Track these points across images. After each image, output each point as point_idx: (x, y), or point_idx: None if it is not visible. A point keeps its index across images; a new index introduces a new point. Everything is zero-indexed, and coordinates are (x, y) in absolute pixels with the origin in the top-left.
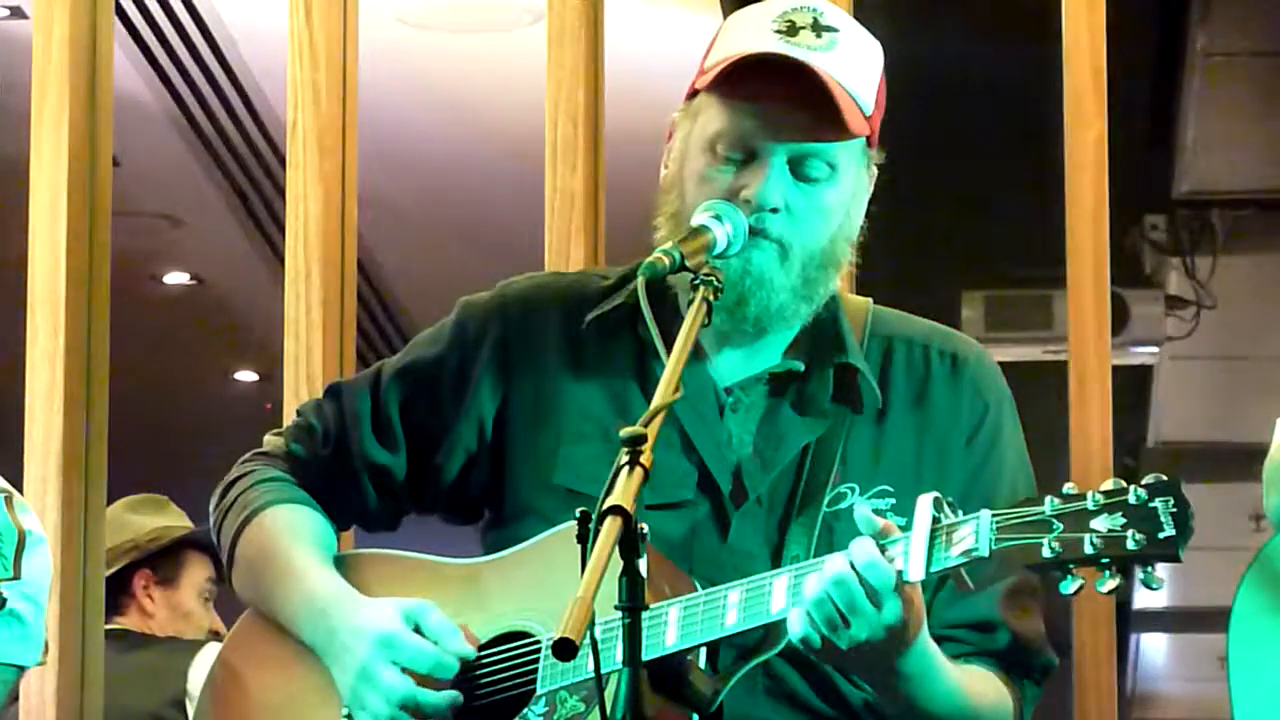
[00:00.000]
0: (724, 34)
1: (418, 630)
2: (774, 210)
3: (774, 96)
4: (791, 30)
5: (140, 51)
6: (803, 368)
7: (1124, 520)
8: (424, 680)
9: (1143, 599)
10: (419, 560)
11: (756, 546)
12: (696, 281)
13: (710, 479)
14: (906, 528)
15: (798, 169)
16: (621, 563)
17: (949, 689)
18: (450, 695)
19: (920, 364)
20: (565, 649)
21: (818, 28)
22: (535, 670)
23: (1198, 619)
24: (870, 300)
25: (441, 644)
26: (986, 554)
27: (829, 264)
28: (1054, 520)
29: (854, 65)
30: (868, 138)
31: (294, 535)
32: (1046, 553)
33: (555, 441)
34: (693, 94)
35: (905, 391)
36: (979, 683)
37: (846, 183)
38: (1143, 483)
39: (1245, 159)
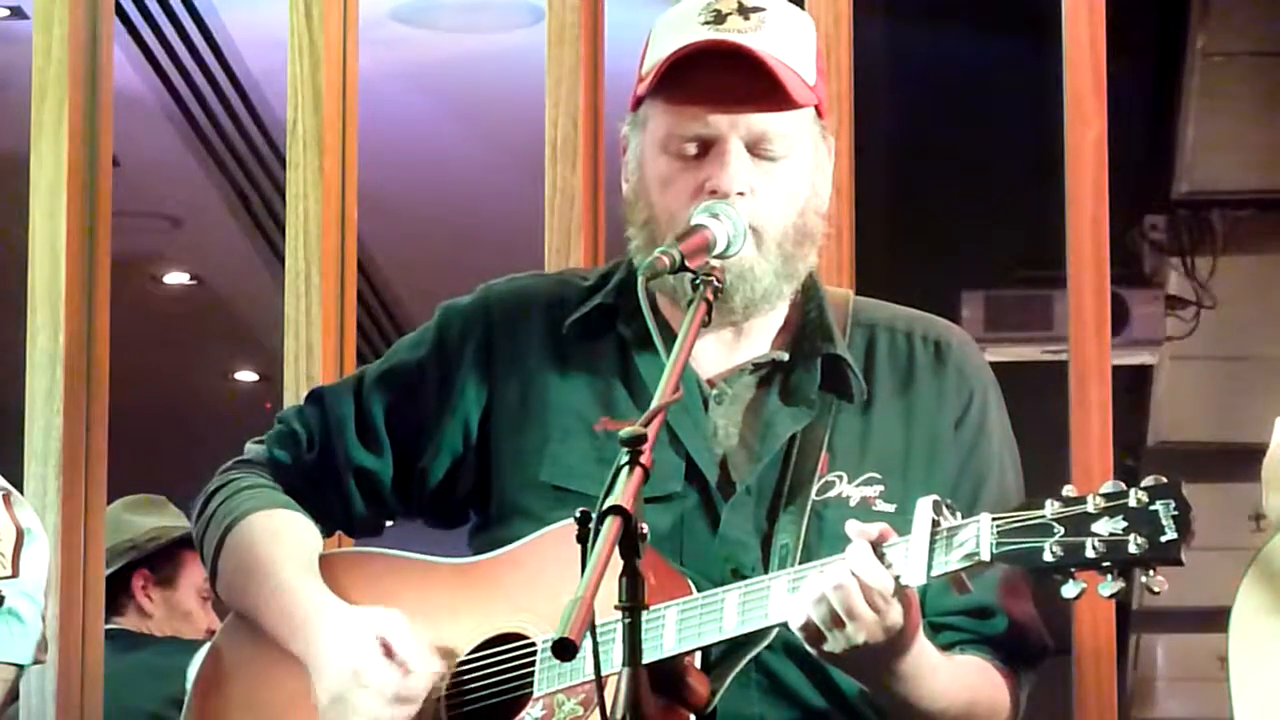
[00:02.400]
0: (654, 37)
1: (386, 645)
2: (741, 194)
3: (715, 84)
4: (718, 18)
5: (140, 51)
6: (787, 357)
7: (1125, 523)
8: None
9: (1143, 599)
10: (410, 560)
11: (746, 535)
12: (697, 281)
13: (698, 471)
14: (898, 513)
15: (755, 150)
16: (618, 563)
17: (944, 687)
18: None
19: (904, 351)
20: (566, 649)
21: (743, 10)
22: (530, 673)
23: (1198, 619)
24: (850, 291)
25: (409, 665)
26: (987, 558)
27: (804, 239)
28: (1054, 524)
29: (786, 39)
30: (816, 107)
31: (273, 544)
32: (1048, 557)
33: (541, 440)
34: (637, 104)
35: (890, 378)
36: (974, 676)
37: (806, 155)
38: (1143, 485)
39: (1245, 159)
